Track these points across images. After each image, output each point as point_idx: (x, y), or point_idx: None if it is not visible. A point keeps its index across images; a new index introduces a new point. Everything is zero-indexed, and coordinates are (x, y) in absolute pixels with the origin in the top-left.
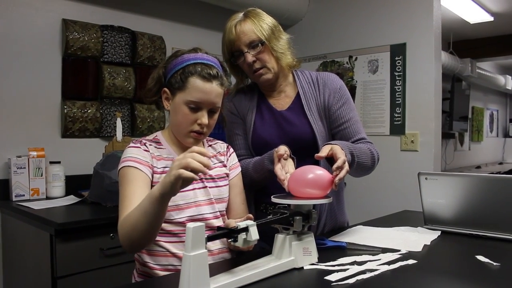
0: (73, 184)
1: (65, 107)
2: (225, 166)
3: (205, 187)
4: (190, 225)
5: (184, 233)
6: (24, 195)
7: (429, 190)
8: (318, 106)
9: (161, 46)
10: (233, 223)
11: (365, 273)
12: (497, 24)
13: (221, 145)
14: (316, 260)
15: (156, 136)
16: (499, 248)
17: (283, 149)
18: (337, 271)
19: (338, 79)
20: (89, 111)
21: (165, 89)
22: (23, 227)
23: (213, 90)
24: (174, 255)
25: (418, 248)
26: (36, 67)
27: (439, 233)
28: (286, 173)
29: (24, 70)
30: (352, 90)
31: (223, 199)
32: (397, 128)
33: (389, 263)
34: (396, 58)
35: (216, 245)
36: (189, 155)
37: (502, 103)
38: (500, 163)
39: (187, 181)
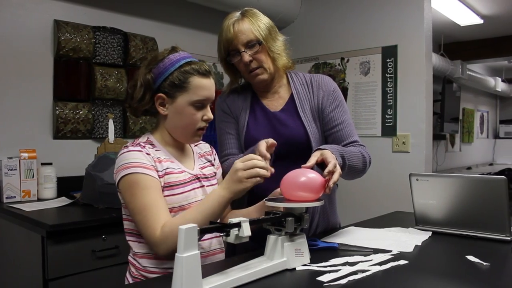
0: (65, 185)
1: (57, 108)
2: (213, 165)
3: (203, 186)
4: (183, 226)
5: None
6: (15, 197)
7: (420, 191)
8: (312, 108)
9: (154, 47)
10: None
11: (357, 273)
12: (487, 26)
13: (205, 145)
14: (308, 261)
15: (148, 138)
16: (489, 248)
17: (263, 146)
18: (329, 271)
19: (332, 81)
20: (81, 112)
21: (160, 94)
22: (14, 229)
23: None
24: None
25: (409, 248)
26: (28, 68)
27: (430, 233)
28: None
29: (15, 71)
30: (344, 91)
31: None
32: (389, 130)
33: (380, 263)
34: (388, 60)
35: (212, 245)
36: (251, 164)
37: (492, 104)
38: (491, 164)
39: None
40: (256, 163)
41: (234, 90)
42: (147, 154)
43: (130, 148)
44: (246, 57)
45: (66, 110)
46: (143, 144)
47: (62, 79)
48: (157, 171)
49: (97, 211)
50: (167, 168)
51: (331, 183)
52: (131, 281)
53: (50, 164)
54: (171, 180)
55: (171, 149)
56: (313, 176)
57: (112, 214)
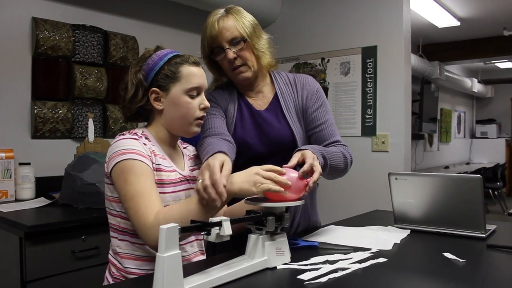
0: (44, 186)
1: (35, 107)
2: None
3: (192, 188)
4: (164, 226)
5: None
6: None
7: (399, 190)
8: (296, 107)
9: (134, 46)
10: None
11: (337, 271)
12: (464, 29)
13: (192, 148)
14: (289, 259)
15: (144, 132)
16: (465, 245)
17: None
18: (310, 270)
19: (315, 81)
20: (60, 111)
21: (154, 89)
22: None
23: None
24: None
25: (389, 246)
26: (5, 66)
27: (408, 231)
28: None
29: None
30: (325, 91)
31: None
32: (368, 129)
33: (360, 261)
34: (368, 61)
35: (194, 248)
36: (272, 175)
37: (468, 105)
38: (467, 163)
39: None
40: (277, 176)
41: (219, 86)
42: (144, 144)
43: (127, 135)
44: (230, 54)
45: (45, 109)
46: (140, 135)
47: (40, 77)
48: (152, 162)
49: (77, 211)
50: (159, 164)
51: (311, 183)
52: (111, 281)
53: (28, 164)
54: (162, 178)
55: (164, 146)
56: (294, 176)
57: (92, 214)
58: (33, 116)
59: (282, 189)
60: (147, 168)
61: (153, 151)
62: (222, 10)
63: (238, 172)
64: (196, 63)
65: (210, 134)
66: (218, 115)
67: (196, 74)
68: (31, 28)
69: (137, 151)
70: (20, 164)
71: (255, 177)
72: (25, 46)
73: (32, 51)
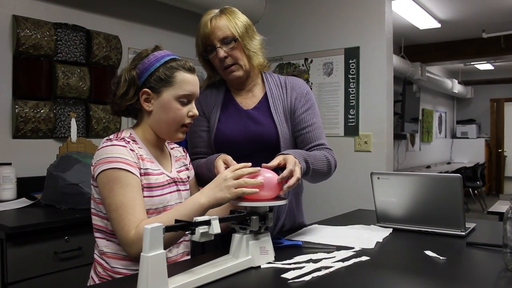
0: (25, 186)
1: (16, 106)
2: (188, 169)
3: (179, 190)
4: (148, 226)
5: None
6: None
7: (381, 189)
8: (285, 108)
9: (117, 45)
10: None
11: (321, 270)
12: (444, 30)
13: (179, 149)
14: (273, 258)
15: (131, 134)
16: (445, 243)
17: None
18: (293, 269)
19: (306, 84)
20: (42, 111)
21: (145, 89)
22: None
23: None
24: None
25: (371, 245)
26: None
27: (390, 230)
28: None
29: None
30: None
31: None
32: (351, 129)
33: (343, 260)
34: (350, 61)
35: (179, 249)
36: (239, 173)
37: (449, 105)
38: (448, 163)
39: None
40: (246, 180)
41: (210, 85)
42: (131, 150)
43: (115, 142)
44: (221, 53)
45: (26, 109)
46: (128, 140)
47: (22, 76)
48: (140, 168)
49: (60, 212)
50: (147, 169)
51: (285, 187)
52: (97, 281)
53: (9, 164)
54: (151, 182)
55: (151, 148)
56: (270, 176)
57: (75, 214)
58: (14, 115)
59: (257, 190)
60: (134, 178)
61: (140, 155)
62: (216, 10)
63: (207, 185)
64: (191, 70)
65: (199, 153)
66: (205, 134)
67: (190, 82)
68: (11, 26)
69: (124, 160)
70: (1, 164)
71: (226, 183)
72: (5, 44)
73: (13, 49)
